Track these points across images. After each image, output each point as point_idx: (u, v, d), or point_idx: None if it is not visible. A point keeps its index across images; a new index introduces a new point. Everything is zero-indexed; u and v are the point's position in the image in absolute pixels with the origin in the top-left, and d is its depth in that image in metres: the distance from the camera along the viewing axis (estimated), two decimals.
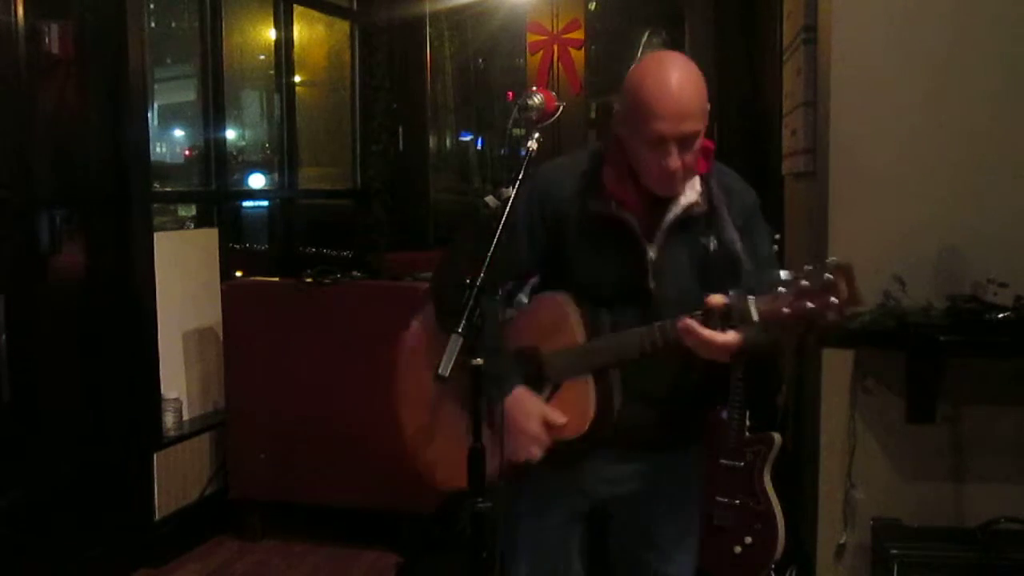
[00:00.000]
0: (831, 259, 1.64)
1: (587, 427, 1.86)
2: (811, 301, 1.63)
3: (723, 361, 1.77)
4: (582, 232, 1.90)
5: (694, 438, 2.12)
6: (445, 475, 2.01)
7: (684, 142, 1.76)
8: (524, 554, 2.06)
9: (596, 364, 1.87)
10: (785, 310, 1.66)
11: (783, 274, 1.69)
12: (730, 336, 1.71)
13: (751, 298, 1.69)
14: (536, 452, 1.86)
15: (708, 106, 1.81)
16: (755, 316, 1.69)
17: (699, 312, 1.73)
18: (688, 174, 1.83)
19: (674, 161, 1.76)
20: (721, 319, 1.72)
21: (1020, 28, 2.70)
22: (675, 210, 1.86)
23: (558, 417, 1.86)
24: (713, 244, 1.88)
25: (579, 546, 2.11)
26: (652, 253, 1.87)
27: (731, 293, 1.72)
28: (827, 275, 1.62)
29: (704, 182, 1.89)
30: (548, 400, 1.92)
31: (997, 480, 2.77)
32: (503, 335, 1.94)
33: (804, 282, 1.64)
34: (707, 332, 1.71)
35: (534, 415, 1.86)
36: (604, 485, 2.02)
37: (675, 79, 1.75)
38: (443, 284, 1.98)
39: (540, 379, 1.92)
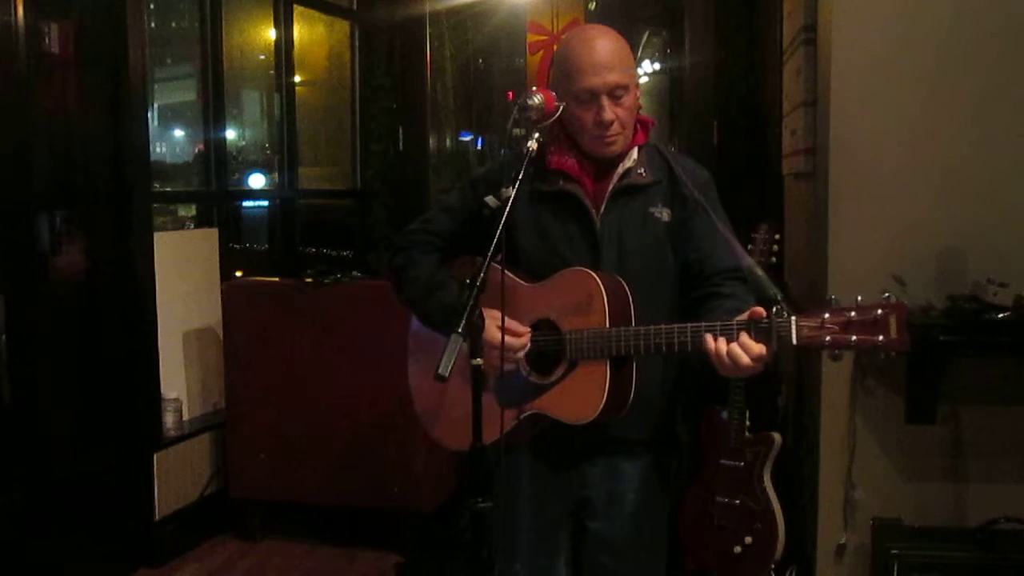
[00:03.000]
0: (886, 295, 1.58)
1: (595, 414, 1.82)
2: (856, 335, 1.57)
3: (732, 375, 1.71)
4: (530, 215, 1.95)
5: (673, 443, 2.10)
6: (453, 439, 2.03)
7: (613, 94, 1.86)
8: (517, 551, 2.05)
9: (616, 350, 1.81)
10: (827, 339, 1.60)
11: (832, 299, 1.62)
12: (763, 351, 1.65)
13: (795, 319, 1.62)
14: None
15: (635, 69, 1.93)
16: (794, 340, 1.61)
17: (739, 321, 1.68)
18: (625, 134, 1.90)
19: (607, 113, 1.85)
20: (755, 332, 1.65)
21: (1021, 28, 2.70)
22: (617, 175, 1.93)
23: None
24: (666, 216, 1.94)
25: (566, 553, 2.09)
26: (599, 222, 1.93)
27: (775, 309, 1.65)
28: (878, 311, 1.56)
29: (645, 154, 1.96)
30: (562, 379, 1.88)
31: (997, 480, 2.77)
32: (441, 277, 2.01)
33: (852, 314, 1.58)
34: (738, 349, 1.65)
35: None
36: (588, 485, 2.02)
37: (596, 37, 1.90)
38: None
39: (557, 355, 1.89)
